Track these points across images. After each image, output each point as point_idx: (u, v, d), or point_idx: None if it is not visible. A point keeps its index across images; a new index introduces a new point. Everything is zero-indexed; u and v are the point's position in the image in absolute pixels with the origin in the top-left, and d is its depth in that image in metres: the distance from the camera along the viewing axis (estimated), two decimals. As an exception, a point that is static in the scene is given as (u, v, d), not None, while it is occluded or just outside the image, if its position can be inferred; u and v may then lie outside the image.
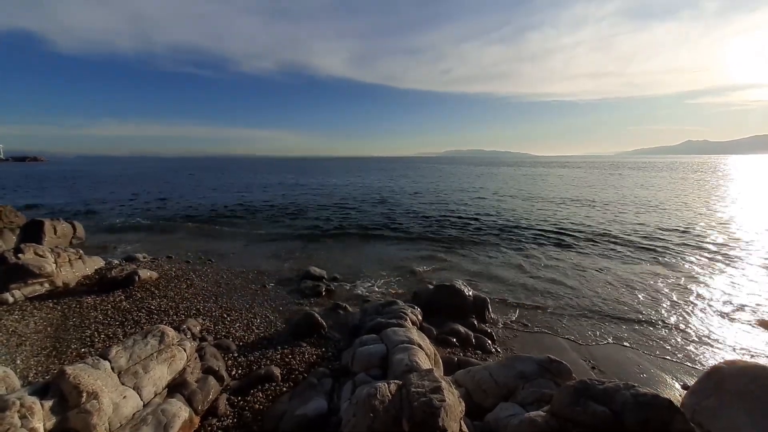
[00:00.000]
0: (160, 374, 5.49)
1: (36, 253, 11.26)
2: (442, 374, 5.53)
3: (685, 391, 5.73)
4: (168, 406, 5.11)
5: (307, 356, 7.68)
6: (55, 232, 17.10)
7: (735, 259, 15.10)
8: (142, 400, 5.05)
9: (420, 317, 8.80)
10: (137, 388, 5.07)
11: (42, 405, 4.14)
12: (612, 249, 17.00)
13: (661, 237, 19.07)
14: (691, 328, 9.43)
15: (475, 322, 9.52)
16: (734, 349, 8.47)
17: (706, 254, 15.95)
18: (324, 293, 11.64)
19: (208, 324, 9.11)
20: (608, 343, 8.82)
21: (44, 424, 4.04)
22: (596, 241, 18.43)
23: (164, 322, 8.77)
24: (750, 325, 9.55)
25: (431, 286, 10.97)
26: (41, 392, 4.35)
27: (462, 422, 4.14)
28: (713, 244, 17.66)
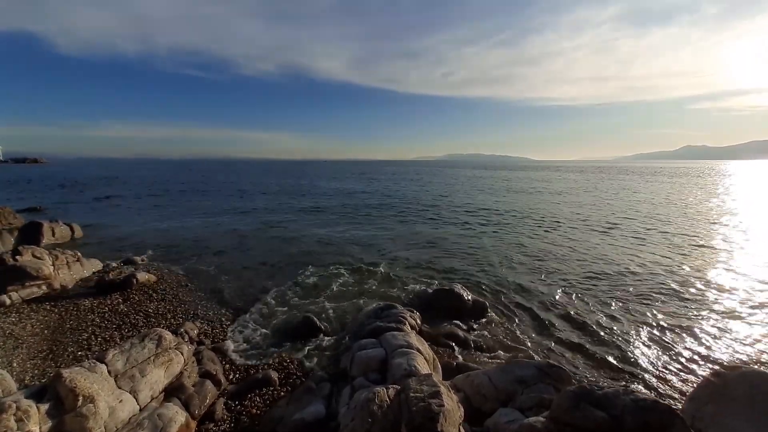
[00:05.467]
0: (157, 378, 5.47)
1: (34, 255, 11.23)
2: (440, 379, 5.50)
3: (685, 397, 5.71)
4: (164, 411, 5.07)
5: (305, 360, 7.65)
6: (54, 234, 17.08)
7: (738, 265, 15.11)
8: (138, 404, 5.02)
9: (419, 321, 8.77)
10: (134, 392, 5.04)
11: (38, 408, 4.11)
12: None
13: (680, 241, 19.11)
14: (691, 333, 9.41)
15: (475, 326, 9.49)
16: (734, 355, 8.45)
17: (707, 258, 15.97)
18: (322, 295, 11.59)
19: (205, 328, 9.07)
20: (608, 346, 8.78)
21: (40, 428, 4.02)
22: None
23: (162, 326, 8.72)
24: (750, 330, 9.53)
25: (430, 290, 10.94)
26: (38, 395, 4.32)
27: (461, 427, 4.12)
28: (723, 247, 17.70)
